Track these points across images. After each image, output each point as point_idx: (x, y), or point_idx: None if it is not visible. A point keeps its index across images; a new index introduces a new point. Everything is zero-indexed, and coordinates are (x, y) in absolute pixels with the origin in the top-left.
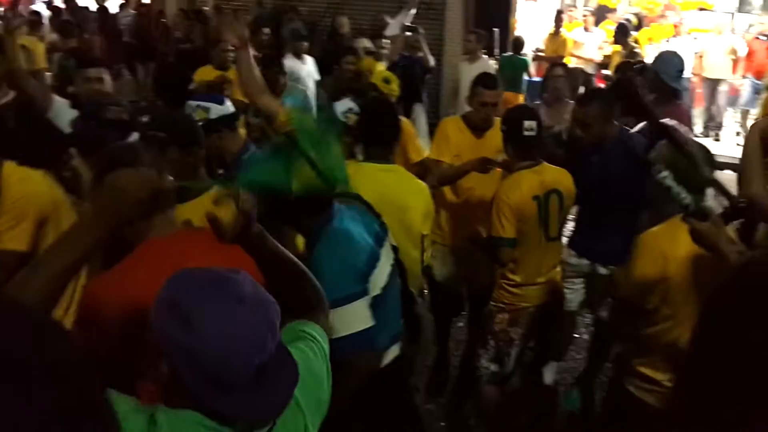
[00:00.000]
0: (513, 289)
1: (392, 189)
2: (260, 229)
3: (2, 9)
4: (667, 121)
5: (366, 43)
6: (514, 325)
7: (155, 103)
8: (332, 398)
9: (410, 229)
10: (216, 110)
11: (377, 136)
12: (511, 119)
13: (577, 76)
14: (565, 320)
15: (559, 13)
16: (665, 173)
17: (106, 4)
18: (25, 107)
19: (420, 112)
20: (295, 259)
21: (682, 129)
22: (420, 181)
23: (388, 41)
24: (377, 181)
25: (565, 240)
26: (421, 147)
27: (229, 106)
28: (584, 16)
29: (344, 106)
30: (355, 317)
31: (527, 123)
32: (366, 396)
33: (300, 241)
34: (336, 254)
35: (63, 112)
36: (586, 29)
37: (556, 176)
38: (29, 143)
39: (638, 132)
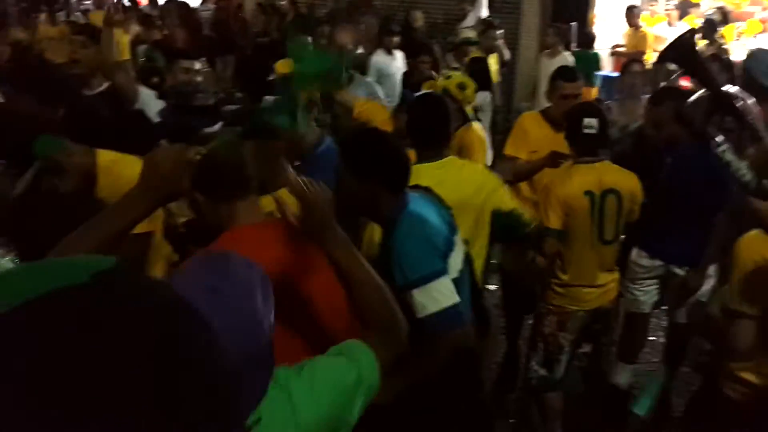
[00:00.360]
0: (560, 289)
1: (450, 185)
2: (339, 232)
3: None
4: (728, 88)
5: (469, 33)
6: (563, 330)
7: (233, 94)
8: (419, 373)
9: (472, 224)
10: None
11: (427, 136)
12: (572, 116)
13: (658, 72)
14: (636, 322)
15: (631, 8)
16: (725, 147)
17: None
18: (117, 97)
19: (484, 99)
20: (374, 274)
21: (750, 100)
22: (475, 165)
23: (501, 31)
24: (433, 182)
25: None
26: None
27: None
28: (667, 10)
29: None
30: (442, 293)
31: (587, 120)
32: (437, 387)
33: (377, 234)
34: (416, 235)
35: (150, 103)
36: (669, 24)
37: (618, 177)
38: (121, 131)
39: (695, 101)
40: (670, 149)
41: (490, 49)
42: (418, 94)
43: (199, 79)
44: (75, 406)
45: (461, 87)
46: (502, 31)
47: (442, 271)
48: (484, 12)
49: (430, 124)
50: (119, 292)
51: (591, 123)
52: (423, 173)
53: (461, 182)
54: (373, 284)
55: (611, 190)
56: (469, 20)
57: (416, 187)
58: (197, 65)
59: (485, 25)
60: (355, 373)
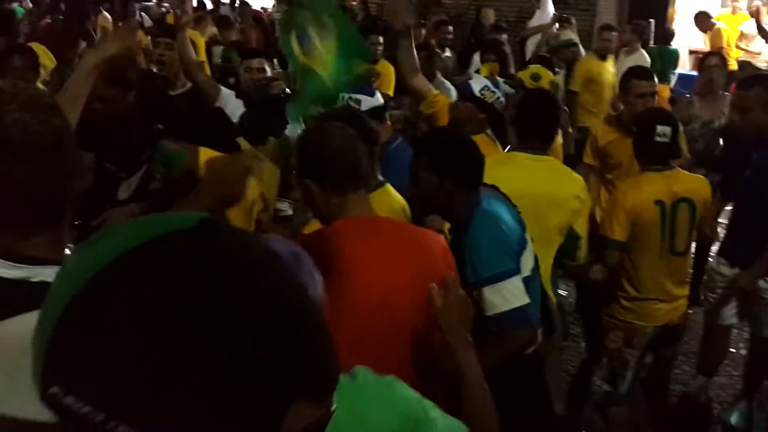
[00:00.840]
0: (627, 303)
1: (541, 180)
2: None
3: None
4: None
5: (570, 34)
6: (629, 346)
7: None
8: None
9: (549, 225)
10: (367, 102)
11: (535, 128)
12: (644, 121)
13: (744, 69)
14: (716, 334)
15: (699, 15)
16: None
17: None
18: (199, 97)
19: None
20: (483, 377)
21: None
22: (575, 174)
23: (615, 33)
24: (527, 170)
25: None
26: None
27: (378, 98)
28: (755, 6)
29: (480, 83)
30: (512, 293)
31: (660, 128)
32: (503, 385)
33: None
34: (491, 233)
35: (230, 102)
36: (758, 20)
37: (690, 184)
38: (204, 130)
39: None
40: (756, 142)
41: (605, 52)
42: (531, 88)
43: (267, 75)
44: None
45: (534, 77)
46: (615, 33)
47: (515, 271)
48: (551, 10)
49: (541, 120)
50: (225, 235)
51: (665, 131)
52: (517, 159)
53: (557, 183)
54: (484, 388)
55: (684, 199)
56: (536, 19)
57: (483, 184)
58: (266, 64)
59: (559, 21)
60: (433, 414)
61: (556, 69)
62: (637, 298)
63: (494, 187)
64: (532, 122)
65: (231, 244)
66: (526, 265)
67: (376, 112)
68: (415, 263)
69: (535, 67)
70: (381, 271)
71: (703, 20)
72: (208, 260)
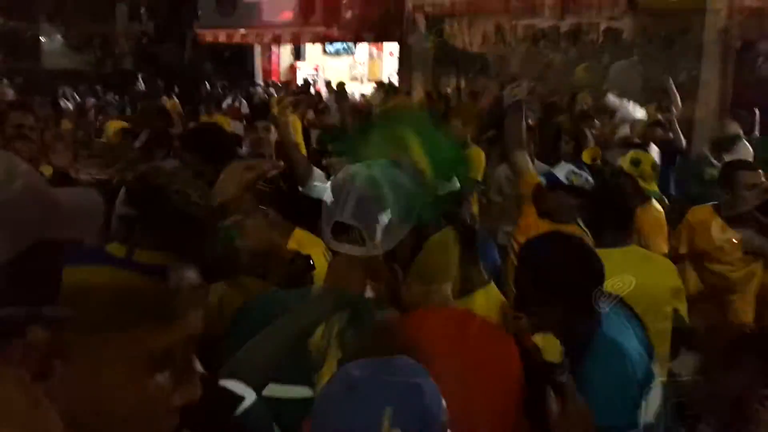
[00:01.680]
0: None
1: (631, 272)
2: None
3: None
4: None
5: (737, 128)
6: None
7: None
8: None
9: (654, 319)
10: (443, 187)
11: (609, 220)
12: None
13: None
14: None
15: None
16: None
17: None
18: (289, 178)
19: None
20: None
21: None
22: (663, 258)
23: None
24: (613, 266)
25: None
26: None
27: (455, 183)
28: None
29: (564, 169)
30: None
31: None
32: None
33: (553, 345)
34: (613, 371)
35: (320, 183)
36: None
37: None
38: (300, 213)
39: None
40: None
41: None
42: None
43: None
44: None
45: (635, 163)
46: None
47: (633, 426)
48: (637, 111)
49: (613, 211)
50: None
51: None
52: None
53: (653, 272)
54: None
55: None
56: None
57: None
58: None
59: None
60: None
61: (715, 162)
62: None
63: (618, 297)
64: (605, 215)
65: None
66: (651, 406)
67: (453, 197)
68: (489, 363)
69: (634, 152)
70: (455, 366)
71: None
72: None
